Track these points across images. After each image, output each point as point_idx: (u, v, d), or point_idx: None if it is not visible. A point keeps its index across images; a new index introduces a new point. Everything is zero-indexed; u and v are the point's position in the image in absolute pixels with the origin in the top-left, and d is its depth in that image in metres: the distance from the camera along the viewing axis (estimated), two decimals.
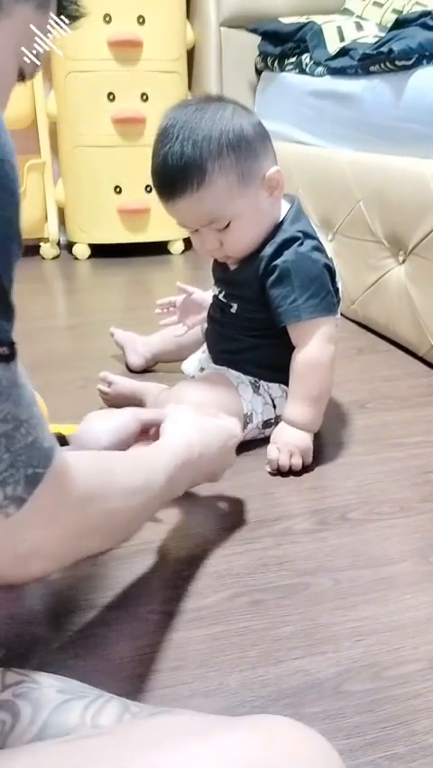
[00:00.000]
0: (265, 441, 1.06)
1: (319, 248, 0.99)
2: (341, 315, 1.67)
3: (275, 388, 1.06)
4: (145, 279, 2.19)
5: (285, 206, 1.02)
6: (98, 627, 0.69)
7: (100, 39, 2.13)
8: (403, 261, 1.41)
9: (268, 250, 0.98)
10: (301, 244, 0.97)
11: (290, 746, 0.36)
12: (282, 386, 1.05)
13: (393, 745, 0.56)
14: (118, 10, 2.13)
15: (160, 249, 2.43)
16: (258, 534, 0.84)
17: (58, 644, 0.67)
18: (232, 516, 0.88)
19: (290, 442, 0.98)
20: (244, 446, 1.05)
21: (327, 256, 1.00)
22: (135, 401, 1.13)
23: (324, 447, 1.06)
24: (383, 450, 1.05)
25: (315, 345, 0.97)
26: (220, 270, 1.08)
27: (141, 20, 2.16)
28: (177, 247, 2.45)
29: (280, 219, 1.00)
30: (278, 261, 0.97)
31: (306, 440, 0.99)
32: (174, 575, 0.77)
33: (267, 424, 1.05)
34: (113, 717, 0.45)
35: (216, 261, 1.10)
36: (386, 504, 0.90)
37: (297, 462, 0.97)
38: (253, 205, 0.96)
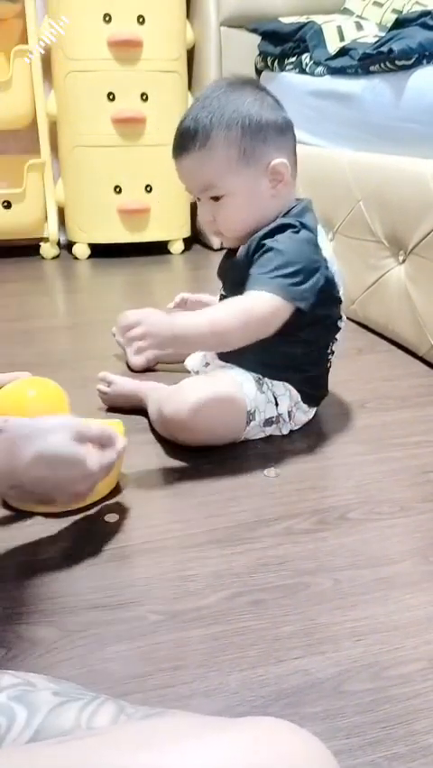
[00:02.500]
0: (266, 440, 1.07)
1: (315, 243, 0.99)
2: None
3: (279, 386, 1.05)
4: (145, 279, 2.19)
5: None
6: (98, 627, 0.69)
7: (100, 39, 2.13)
8: (403, 261, 1.41)
9: (262, 231, 0.98)
10: (297, 232, 0.97)
11: (285, 748, 0.36)
12: (286, 384, 1.05)
13: (393, 745, 0.56)
14: (118, 10, 2.13)
15: (160, 249, 2.43)
16: (258, 534, 0.84)
17: (58, 645, 0.67)
18: (232, 516, 0.88)
19: (156, 323, 0.87)
20: (245, 445, 1.05)
21: (321, 256, 0.99)
22: (135, 401, 1.13)
23: (324, 447, 1.06)
24: (383, 450, 1.05)
25: (260, 305, 0.92)
26: (223, 262, 1.10)
27: (141, 20, 2.16)
28: (177, 247, 2.45)
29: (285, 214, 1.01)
30: (268, 240, 0.97)
31: (168, 336, 0.88)
32: (174, 575, 0.77)
33: (268, 422, 1.05)
34: (108, 718, 0.45)
35: (222, 259, 1.11)
36: (386, 504, 0.90)
37: (140, 344, 0.86)
38: (250, 188, 0.98)
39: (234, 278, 1.02)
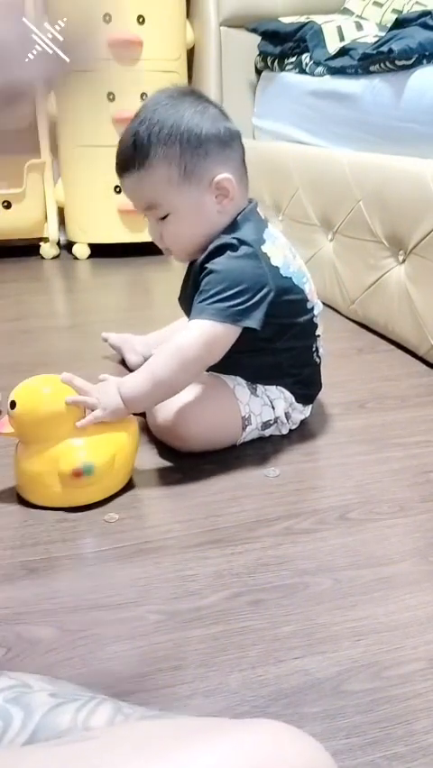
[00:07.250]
0: (266, 440, 1.07)
1: (256, 257, 0.95)
2: (341, 314, 1.68)
3: (273, 390, 1.05)
4: (145, 279, 2.19)
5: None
6: (98, 627, 0.69)
7: (100, 39, 2.13)
8: (403, 261, 1.41)
9: (204, 254, 0.97)
10: (236, 250, 0.94)
11: (283, 751, 0.36)
12: (279, 387, 1.05)
13: (393, 745, 0.56)
14: (118, 10, 2.13)
15: (159, 249, 2.42)
16: (258, 534, 0.84)
17: (58, 645, 0.67)
18: (232, 516, 0.88)
19: (104, 395, 0.90)
20: (245, 446, 1.05)
21: (267, 267, 0.95)
22: None
23: (324, 447, 1.06)
24: (383, 450, 1.05)
25: (192, 338, 0.91)
26: (180, 292, 1.09)
27: (141, 20, 2.16)
28: None
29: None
30: (209, 263, 0.95)
31: (118, 409, 0.90)
32: (174, 575, 0.77)
33: (266, 425, 1.05)
34: (105, 718, 0.45)
35: (180, 290, 1.10)
36: (386, 504, 0.90)
37: (96, 414, 0.89)
38: (194, 206, 0.95)
39: (190, 306, 1.00)
